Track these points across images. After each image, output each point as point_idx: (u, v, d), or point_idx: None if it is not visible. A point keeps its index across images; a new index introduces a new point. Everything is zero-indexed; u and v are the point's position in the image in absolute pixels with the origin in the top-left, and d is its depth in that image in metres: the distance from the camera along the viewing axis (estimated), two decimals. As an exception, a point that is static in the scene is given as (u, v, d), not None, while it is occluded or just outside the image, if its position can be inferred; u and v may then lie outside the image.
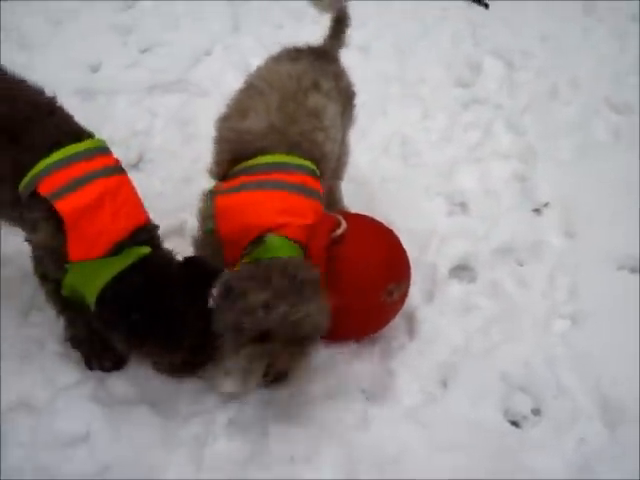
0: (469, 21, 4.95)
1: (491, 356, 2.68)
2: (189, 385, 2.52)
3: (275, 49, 4.21)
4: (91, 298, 2.21)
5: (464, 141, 3.80)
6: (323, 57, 2.75)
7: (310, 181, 2.38)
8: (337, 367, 2.63)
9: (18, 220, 2.36)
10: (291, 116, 2.42)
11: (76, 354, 2.55)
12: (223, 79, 4.02)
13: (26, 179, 2.19)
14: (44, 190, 2.17)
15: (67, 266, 2.20)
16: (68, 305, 2.42)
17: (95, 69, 4.09)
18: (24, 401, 2.43)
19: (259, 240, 2.23)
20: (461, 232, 3.19)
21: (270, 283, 2.10)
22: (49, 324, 2.67)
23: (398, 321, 2.82)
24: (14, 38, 4.26)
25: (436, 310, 2.86)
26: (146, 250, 2.25)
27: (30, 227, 2.28)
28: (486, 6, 5.11)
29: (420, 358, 2.68)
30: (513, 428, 2.49)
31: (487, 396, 2.56)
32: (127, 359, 2.56)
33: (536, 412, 2.55)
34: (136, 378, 2.52)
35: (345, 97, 2.77)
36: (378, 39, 4.64)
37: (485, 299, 2.92)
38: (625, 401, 2.53)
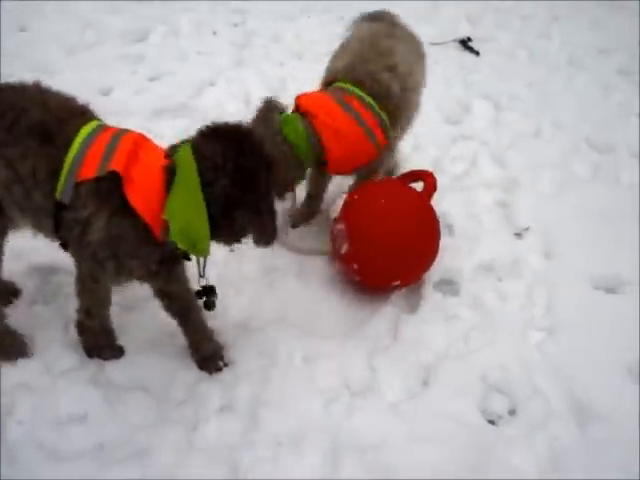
0: (461, 66, 5.24)
1: (470, 360, 2.83)
2: (184, 373, 2.66)
3: (275, 84, 4.51)
4: (202, 216, 2.15)
5: (451, 171, 4.02)
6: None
7: (356, 104, 2.97)
8: (324, 363, 2.77)
9: (53, 229, 2.30)
10: (363, 57, 3.07)
11: (77, 341, 2.69)
12: (225, 107, 4.29)
13: (61, 180, 2.17)
14: (85, 175, 2.15)
15: (166, 216, 2.14)
16: (97, 299, 2.54)
17: (106, 93, 4.33)
18: (24, 383, 2.56)
19: None
20: (446, 250, 3.35)
21: None
22: (52, 316, 2.84)
23: (383, 325, 2.98)
24: (32, 65, 4.50)
25: (420, 318, 3.02)
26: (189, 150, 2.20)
27: (81, 228, 2.21)
28: (477, 53, 5.41)
29: (403, 358, 2.83)
30: (490, 425, 2.63)
31: (466, 395, 2.70)
32: (124, 350, 2.72)
33: (512, 412, 2.69)
34: (134, 365, 2.67)
35: (419, 52, 3.42)
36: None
37: (466, 310, 3.09)
38: (595, 403, 2.68)
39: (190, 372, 2.68)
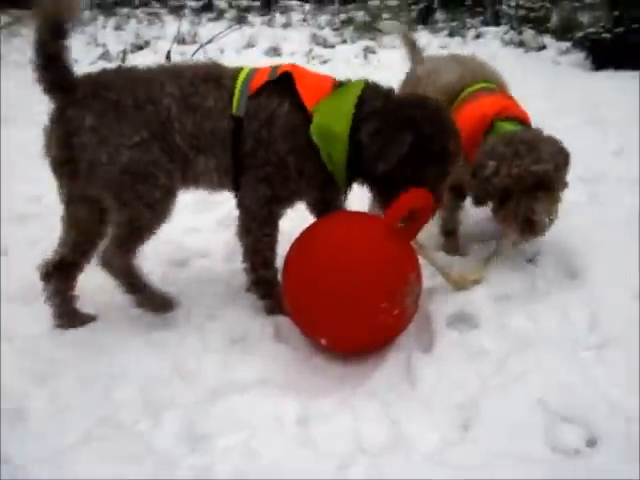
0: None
1: (517, 389, 2.14)
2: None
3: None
4: (344, 123, 2.39)
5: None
6: None
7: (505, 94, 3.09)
8: (325, 425, 2.06)
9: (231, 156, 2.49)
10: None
11: None
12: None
13: (235, 98, 2.45)
14: (255, 85, 2.46)
15: (313, 109, 2.40)
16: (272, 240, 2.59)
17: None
18: None
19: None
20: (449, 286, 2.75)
21: (495, 151, 2.65)
22: None
23: (394, 373, 2.30)
24: None
25: (438, 358, 2.34)
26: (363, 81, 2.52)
27: (266, 128, 2.43)
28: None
29: (429, 405, 2.13)
30: (571, 459, 1.89)
31: (524, 432, 1.99)
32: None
33: (591, 443, 1.96)
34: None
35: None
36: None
37: (492, 342, 2.41)
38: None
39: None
